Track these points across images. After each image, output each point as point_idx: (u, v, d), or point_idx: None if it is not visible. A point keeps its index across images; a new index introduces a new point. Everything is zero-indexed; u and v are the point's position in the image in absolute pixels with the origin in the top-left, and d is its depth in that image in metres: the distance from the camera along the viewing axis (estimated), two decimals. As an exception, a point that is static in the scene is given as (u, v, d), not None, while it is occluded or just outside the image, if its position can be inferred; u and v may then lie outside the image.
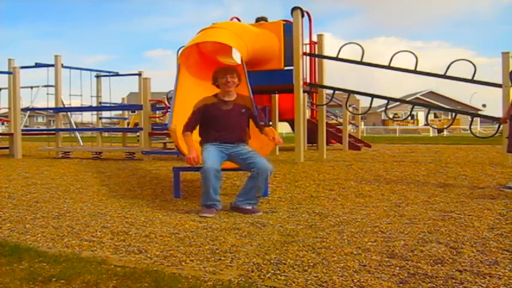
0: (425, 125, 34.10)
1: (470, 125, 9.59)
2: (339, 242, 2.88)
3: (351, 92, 8.39)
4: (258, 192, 3.95)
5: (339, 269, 2.36)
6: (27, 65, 11.84)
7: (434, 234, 3.03)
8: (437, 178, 5.78)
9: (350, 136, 12.39)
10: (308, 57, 8.64)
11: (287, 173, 6.22)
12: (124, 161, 8.70)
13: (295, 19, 7.72)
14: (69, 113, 12.11)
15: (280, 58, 7.84)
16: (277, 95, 10.25)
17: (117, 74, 13.78)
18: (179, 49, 7.02)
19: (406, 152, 10.79)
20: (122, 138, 13.24)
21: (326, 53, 8.75)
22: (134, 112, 15.76)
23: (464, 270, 2.32)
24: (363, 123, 28.78)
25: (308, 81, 8.52)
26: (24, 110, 12.63)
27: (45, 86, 12.00)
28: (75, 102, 13.86)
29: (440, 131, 29.27)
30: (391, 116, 36.38)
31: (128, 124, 15.17)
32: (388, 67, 7.65)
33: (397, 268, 2.36)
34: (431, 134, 29.52)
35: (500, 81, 7.20)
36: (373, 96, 7.98)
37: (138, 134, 12.88)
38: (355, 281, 2.19)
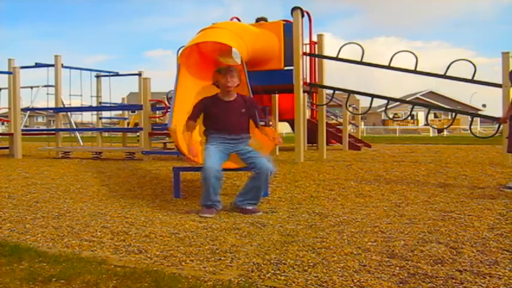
0: (425, 125, 34.10)
1: (470, 125, 9.59)
2: (339, 242, 2.88)
3: (351, 92, 8.39)
4: (259, 193, 3.93)
5: (339, 269, 2.36)
6: (27, 65, 11.86)
7: (434, 234, 3.03)
8: (437, 178, 5.78)
9: (350, 136, 12.39)
10: (308, 57, 8.64)
11: (287, 173, 6.22)
12: (124, 161, 8.70)
13: (295, 19, 7.72)
14: (69, 113, 12.11)
15: (280, 58, 7.84)
16: (277, 95, 10.25)
17: (117, 74, 13.78)
18: (179, 49, 7.03)
19: (406, 152, 10.79)
20: (122, 138, 13.24)
21: (326, 53, 8.75)
22: (134, 112, 15.76)
23: (464, 270, 2.32)
24: (363, 123, 28.78)
25: (308, 81, 8.52)
26: (24, 110, 12.63)
27: (45, 86, 12.01)
28: (75, 102, 13.87)
29: (440, 131, 29.27)
30: (391, 116, 36.39)
31: (128, 124, 15.17)
32: (388, 67, 7.65)
33: (397, 268, 2.36)
34: (431, 134, 29.52)
35: (500, 81, 7.20)
36: (373, 96, 7.98)
37: (138, 134, 12.88)
38: (355, 281, 2.19)
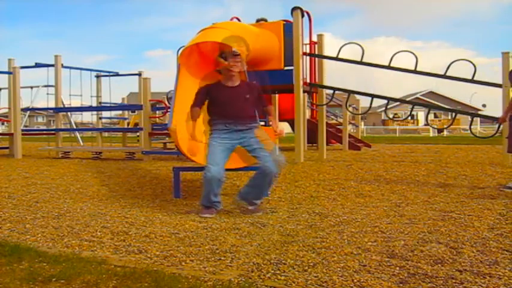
0: (425, 125, 34.10)
1: (470, 125, 9.59)
2: (339, 242, 2.88)
3: (351, 92, 8.39)
4: (261, 193, 3.87)
5: (339, 269, 2.36)
6: (27, 65, 11.86)
7: (434, 234, 3.03)
8: (437, 178, 5.78)
9: (350, 136, 12.39)
10: (308, 57, 8.64)
11: (287, 173, 6.22)
12: (124, 161, 8.71)
13: (295, 19, 7.72)
14: (69, 113, 12.11)
15: (280, 58, 7.84)
16: (277, 95, 10.26)
17: (117, 74, 13.78)
18: (179, 49, 7.03)
19: (406, 152, 10.79)
20: (122, 138, 13.24)
21: (326, 53, 8.76)
22: (134, 112, 15.77)
23: (464, 270, 2.31)
24: (363, 123, 28.78)
25: (308, 81, 8.52)
26: (24, 110, 12.62)
27: (45, 86, 12.00)
28: (75, 102, 13.88)
29: (440, 131, 29.27)
30: (391, 116, 36.39)
31: (128, 124, 15.18)
32: (388, 67, 7.65)
33: (397, 268, 2.36)
34: (431, 134, 29.52)
35: (500, 81, 7.20)
36: (373, 96, 7.99)
37: (138, 134, 12.88)
38: (355, 281, 2.19)
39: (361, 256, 2.57)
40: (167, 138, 10.66)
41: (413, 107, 8.41)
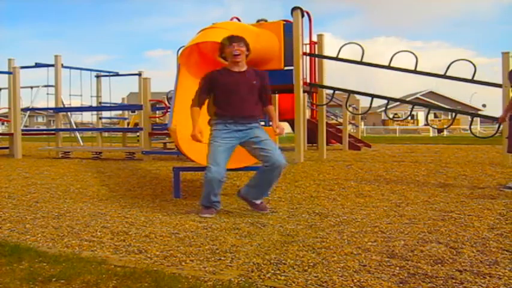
0: (425, 125, 34.10)
1: (470, 125, 9.59)
2: (339, 242, 2.88)
3: (351, 92, 8.39)
4: (269, 188, 3.83)
5: (339, 269, 2.36)
6: (27, 65, 11.87)
7: (434, 234, 3.03)
8: (437, 178, 5.78)
9: (350, 136, 12.39)
10: (308, 57, 8.64)
11: (287, 173, 6.22)
12: (124, 161, 8.71)
13: (295, 19, 7.72)
14: (69, 113, 12.12)
15: (280, 58, 7.84)
16: (277, 95, 10.26)
17: (117, 74, 13.79)
18: (179, 49, 7.03)
19: (406, 152, 10.79)
20: (122, 138, 13.25)
21: (326, 53, 8.76)
22: (134, 112, 15.77)
23: (464, 270, 2.31)
24: (362, 123, 28.79)
25: (308, 81, 8.52)
26: (24, 110, 12.63)
27: (45, 86, 12.02)
28: (75, 102, 13.89)
29: (440, 131, 29.27)
30: (391, 116, 36.39)
31: (128, 124, 15.18)
32: (388, 67, 7.65)
33: (397, 268, 2.36)
34: (431, 134, 29.52)
35: (500, 81, 7.20)
36: (373, 96, 7.99)
37: (138, 134, 12.89)
38: (355, 281, 2.19)
39: (361, 256, 2.57)
40: (167, 138, 10.66)
41: (413, 107, 8.41)
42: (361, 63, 7.82)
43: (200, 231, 3.20)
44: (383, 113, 41.35)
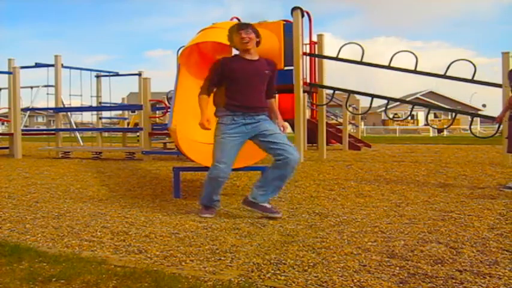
0: (425, 125, 34.11)
1: (470, 125, 9.59)
2: (339, 242, 2.88)
3: (351, 92, 8.40)
4: (282, 184, 3.59)
5: (339, 269, 2.36)
6: (27, 65, 11.88)
7: (434, 234, 3.03)
8: (437, 178, 5.78)
9: (350, 136, 12.40)
10: (308, 57, 8.65)
11: (287, 173, 6.21)
12: (124, 161, 8.71)
13: (295, 19, 7.72)
14: (69, 113, 12.12)
15: (280, 58, 7.84)
16: (277, 95, 10.25)
17: (117, 74, 13.79)
18: (179, 49, 7.03)
19: (406, 152, 10.79)
20: (122, 138, 13.25)
21: (326, 53, 8.76)
22: (134, 112, 15.77)
23: (464, 270, 2.31)
24: (363, 123, 28.79)
25: (308, 81, 8.52)
26: (24, 110, 12.63)
27: (45, 86, 12.03)
28: (75, 102, 13.90)
29: (440, 131, 29.27)
30: (391, 116, 36.39)
31: (128, 124, 15.18)
32: (388, 67, 7.66)
33: (397, 268, 2.36)
34: (431, 134, 29.52)
35: (500, 81, 7.20)
36: (373, 96, 7.99)
37: (138, 134, 12.89)
38: (355, 281, 2.19)
39: (361, 256, 2.57)
40: (167, 138, 10.66)
41: (413, 107, 8.42)
42: (361, 63, 7.83)
43: (200, 231, 3.20)
44: (383, 113, 41.36)
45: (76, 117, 14.49)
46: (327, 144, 9.94)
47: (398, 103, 13.72)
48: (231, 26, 3.74)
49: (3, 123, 19.20)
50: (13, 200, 4.57)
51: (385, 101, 8.81)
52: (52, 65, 11.05)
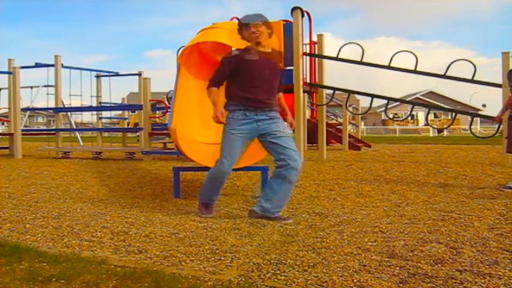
0: (425, 125, 34.11)
1: (470, 125, 9.60)
2: (339, 242, 2.88)
3: (351, 92, 8.40)
4: (289, 194, 3.50)
5: (339, 269, 2.36)
6: (27, 65, 11.88)
7: (434, 234, 3.03)
8: (437, 178, 5.78)
9: (350, 136, 12.40)
10: (308, 57, 8.65)
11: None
12: (124, 161, 8.71)
13: (295, 19, 7.72)
14: (69, 113, 12.12)
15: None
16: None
17: (117, 74, 13.79)
18: (179, 49, 7.03)
19: (406, 152, 10.79)
20: (122, 138, 13.25)
21: (326, 53, 8.76)
22: (134, 112, 15.78)
23: (464, 270, 2.31)
24: (363, 123, 28.79)
25: (308, 81, 8.52)
26: (24, 110, 12.63)
27: (45, 86, 12.03)
28: (75, 102, 13.90)
29: (440, 131, 29.28)
30: (391, 116, 36.39)
31: (128, 124, 15.18)
32: (388, 67, 7.66)
33: (397, 268, 2.36)
34: (431, 134, 29.53)
35: (500, 81, 7.20)
36: (373, 96, 7.99)
37: (138, 134, 12.89)
38: (355, 281, 2.19)
39: (361, 256, 2.57)
40: (167, 138, 10.66)
41: (413, 107, 8.42)
42: (361, 63, 7.83)
43: (200, 231, 3.20)
44: (383, 113, 41.36)
45: (76, 117, 14.51)
46: (327, 144, 9.94)
47: (398, 103, 13.73)
48: (241, 18, 3.60)
49: (3, 123, 19.20)
50: (13, 200, 4.57)
51: (385, 101, 8.81)
52: (52, 65, 11.05)
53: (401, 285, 2.14)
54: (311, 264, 2.44)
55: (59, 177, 6.28)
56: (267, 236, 3.02)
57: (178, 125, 4.52)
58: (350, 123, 13.96)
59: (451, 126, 31.71)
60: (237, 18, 9.11)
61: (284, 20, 8.14)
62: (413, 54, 7.54)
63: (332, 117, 15.33)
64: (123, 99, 20.26)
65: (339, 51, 7.86)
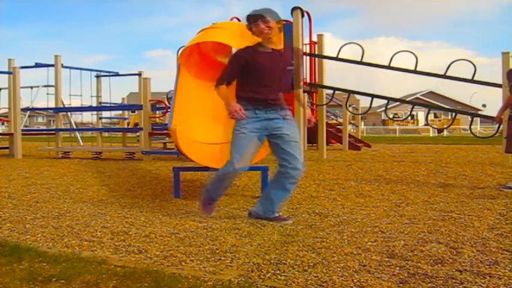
0: (425, 125, 34.11)
1: (470, 125, 9.60)
2: (339, 242, 2.87)
3: (351, 92, 8.39)
4: (286, 198, 3.50)
5: (339, 269, 2.36)
6: (27, 65, 11.88)
7: (434, 234, 3.03)
8: (437, 178, 5.78)
9: (350, 136, 12.40)
10: (308, 57, 8.65)
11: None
12: (124, 161, 8.71)
13: (295, 19, 7.72)
14: (69, 113, 12.12)
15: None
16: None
17: (117, 74, 13.79)
18: (179, 49, 7.03)
19: (406, 152, 10.79)
20: (122, 138, 13.25)
21: (326, 53, 8.77)
22: (134, 112, 15.77)
23: (464, 270, 2.31)
24: (363, 123, 28.79)
25: (308, 81, 8.52)
26: (24, 110, 12.64)
27: (45, 86, 12.03)
28: (75, 102, 13.90)
29: (440, 131, 29.27)
30: (391, 116, 36.39)
31: (128, 124, 15.18)
32: (388, 67, 7.66)
33: (397, 268, 2.36)
34: (431, 134, 29.52)
35: (500, 81, 7.20)
36: (373, 96, 7.99)
37: (138, 134, 12.89)
38: (355, 281, 2.19)
39: (361, 256, 2.57)
40: (167, 138, 10.66)
41: (413, 107, 8.42)
42: (361, 63, 7.83)
43: (200, 231, 3.20)
44: (383, 113, 41.36)
45: (76, 117, 14.51)
46: (327, 144, 9.94)
47: (398, 103, 13.72)
48: (246, 15, 3.45)
49: (3, 123, 19.20)
50: (13, 200, 4.57)
51: (385, 101, 8.81)
52: (52, 65, 11.05)
53: (401, 285, 2.14)
54: (311, 264, 2.44)
55: (59, 177, 6.28)
56: (267, 236, 3.02)
57: (178, 125, 4.52)
58: (350, 123, 13.96)
59: (451, 126, 31.70)
60: (237, 19, 9.11)
61: (284, 20, 8.14)
62: (413, 54, 7.54)
63: (332, 117, 15.33)
64: (123, 99, 20.26)
65: (339, 51, 7.86)
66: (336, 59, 8.01)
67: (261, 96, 3.35)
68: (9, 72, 10.87)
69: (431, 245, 2.77)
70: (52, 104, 11.14)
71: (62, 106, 11.06)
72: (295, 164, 3.35)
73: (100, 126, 13.75)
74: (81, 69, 12.66)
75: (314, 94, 9.18)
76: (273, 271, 2.34)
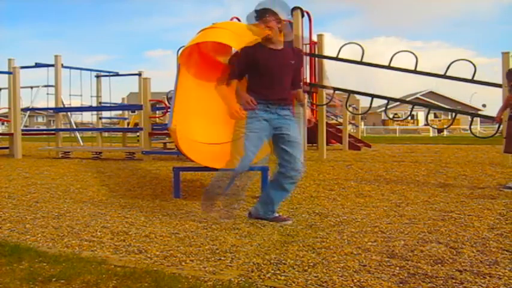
0: (425, 125, 34.11)
1: (470, 125, 9.60)
2: (339, 242, 2.88)
3: (351, 92, 8.39)
4: (284, 198, 3.50)
5: (339, 269, 2.36)
6: (27, 65, 11.88)
7: (434, 234, 3.03)
8: (437, 178, 5.78)
9: (350, 136, 12.40)
10: (308, 57, 8.65)
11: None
12: (124, 161, 8.71)
13: (295, 19, 7.72)
14: (69, 113, 12.12)
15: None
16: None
17: (117, 74, 13.79)
18: (179, 49, 7.02)
19: (406, 152, 10.79)
20: (122, 138, 13.25)
21: (326, 53, 8.76)
22: (134, 112, 15.77)
23: (464, 270, 2.31)
24: (363, 123, 28.79)
25: (308, 81, 8.52)
26: (24, 110, 12.64)
27: (45, 86, 12.03)
28: (75, 102, 13.90)
29: (440, 131, 29.27)
30: (391, 116, 36.39)
31: (128, 124, 15.18)
32: (388, 67, 7.66)
33: (397, 268, 2.36)
34: (431, 134, 29.52)
35: (500, 81, 7.20)
36: (373, 96, 7.99)
37: (138, 134, 12.89)
38: (355, 281, 2.19)
39: (361, 256, 2.57)
40: (167, 138, 10.66)
41: (413, 107, 8.42)
42: (361, 63, 7.83)
43: (200, 231, 3.20)
44: (383, 113, 41.34)
45: (76, 117, 14.50)
46: (327, 144, 9.94)
47: (398, 103, 13.73)
48: (247, 15, 3.41)
49: (3, 123, 19.20)
50: (13, 200, 4.57)
51: (385, 101, 8.81)
52: (52, 65, 11.05)
53: (401, 285, 2.14)
54: (311, 264, 2.44)
55: (59, 177, 6.28)
56: (267, 236, 3.02)
57: (178, 125, 4.52)
58: (350, 123, 13.96)
59: (451, 126, 31.70)
60: (237, 19, 9.12)
61: (284, 20, 8.14)
62: (413, 54, 7.55)
63: (332, 117, 15.33)
64: (123, 99, 20.24)
65: (339, 51, 7.86)
66: (336, 59, 8.01)
67: (262, 97, 3.30)
68: (9, 72, 10.87)
69: (431, 245, 2.77)
70: (52, 104, 11.14)
71: (62, 106, 11.06)
72: (295, 166, 3.35)
73: (100, 126, 13.75)
74: (81, 69, 12.66)
75: (314, 94, 9.19)
76: (273, 271, 2.34)
